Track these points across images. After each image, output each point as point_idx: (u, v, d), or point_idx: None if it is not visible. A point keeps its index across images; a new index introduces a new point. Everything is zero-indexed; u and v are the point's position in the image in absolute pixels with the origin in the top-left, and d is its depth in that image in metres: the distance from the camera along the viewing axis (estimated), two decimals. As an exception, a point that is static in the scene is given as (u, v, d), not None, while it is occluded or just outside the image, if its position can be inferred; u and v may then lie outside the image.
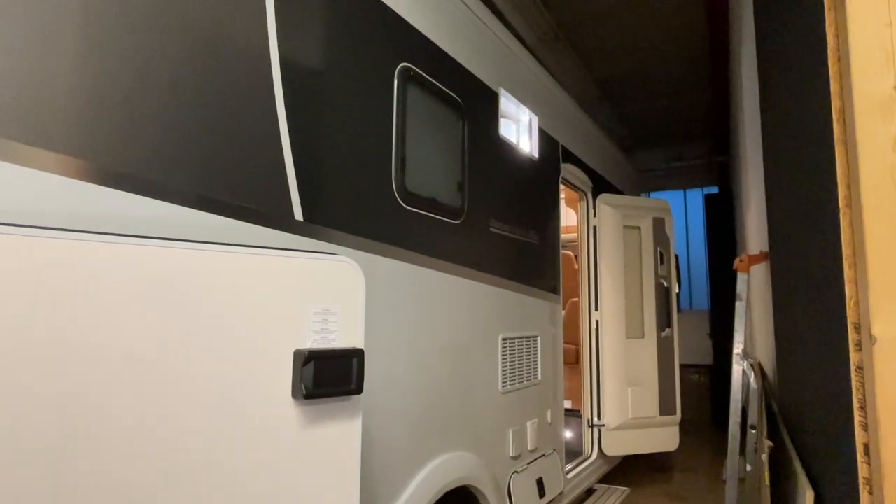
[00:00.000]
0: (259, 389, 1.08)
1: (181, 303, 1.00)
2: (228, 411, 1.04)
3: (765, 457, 1.40)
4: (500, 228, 2.79)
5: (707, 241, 7.32)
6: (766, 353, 2.52)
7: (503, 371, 2.70)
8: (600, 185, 4.39)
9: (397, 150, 2.04)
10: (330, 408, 1.17)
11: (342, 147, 1.80)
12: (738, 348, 2.23)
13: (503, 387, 2.69)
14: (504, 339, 2.74)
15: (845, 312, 0.93)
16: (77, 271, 0.89)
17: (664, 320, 4.29)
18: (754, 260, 2.31)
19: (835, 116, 0.87)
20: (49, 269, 0.86)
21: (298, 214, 1.60)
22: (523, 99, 3.17)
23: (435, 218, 2.24)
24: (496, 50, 2.88)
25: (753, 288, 2.77)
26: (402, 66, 2.10)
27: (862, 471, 0.81)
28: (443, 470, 2.14)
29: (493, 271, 2.70)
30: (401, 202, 2.04)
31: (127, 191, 1.16)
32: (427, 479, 2.03)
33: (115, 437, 0.91)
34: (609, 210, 4.18)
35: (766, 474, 1.37)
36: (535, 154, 3.27)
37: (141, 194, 1.18)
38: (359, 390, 1.19)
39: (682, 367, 4.46)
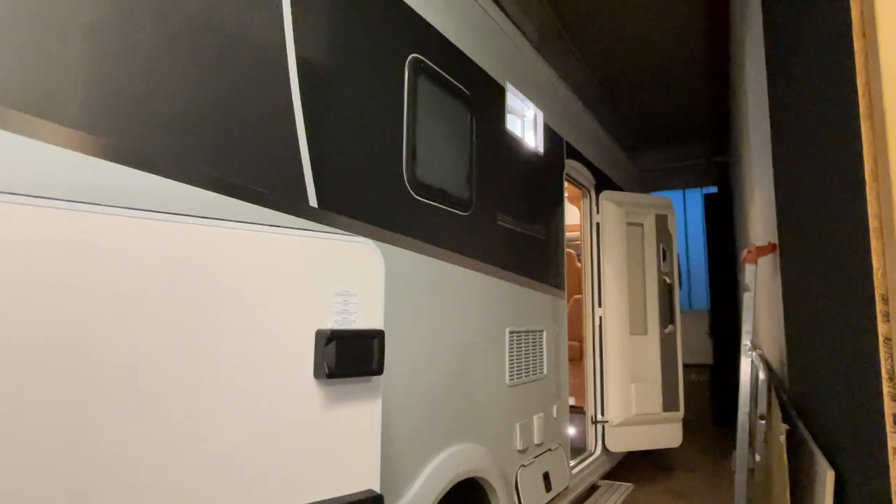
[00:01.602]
0: (281, 369, 1.08)
1: (202, 280, 1.00)
2: (251, 391, 1.04)
3: (783, 438, 1.40)
4: (507, 222, 2.80)
5: (707, 241, 7.35)
6: (772, 344, 2.53)
7: (510, 364, 2.71)
8: (603, 183, 4.40)
9: (408, 140, 2.05)
10: (351, 388, 1.17)
11: (355, 135, 1.80)
12: (746, 339, 2.23)
13: (510, 380, 2.69)
14: (511, 333, 2.75)
15: (869, 286, 0.93)
16: (94, 245, 0.89)
17: (667, 317, 4.30)
18: (762, 251, 2.32)
19: (860, 91, 0.87)
20: (76, 242, 0.86)
21: (313, 201, 1.60)
22: (529, 94, 3.18)
23: (444, 209, 2.24)
24: (502, 44, 2.89)
25: (759, 280, 2.78)
26: (413, 58, 2.11)
27: (892, 440, 0.82)
28: (453, 461, 2.14)
29: (501, 264, 2.71)
30: (411, 192, 2.05)
31: (147, 171, 1.16)
32: (438, 470, 2.03)
33: (138, 416, 0.90)
34: (612, 207, 4.20)
35: (785, 455, 1.38)
36: (540, 149, 3.28)
37: (160, 175, 1.19)
38: (380, 371, 1.19)
39: (683, 365, 4.47)
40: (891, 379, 0.82)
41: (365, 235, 1.82)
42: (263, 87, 1.47)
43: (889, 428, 0.82)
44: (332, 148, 1.70)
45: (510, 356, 2.72)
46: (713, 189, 7.93)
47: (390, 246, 1.91)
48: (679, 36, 5.16)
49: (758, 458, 2.10)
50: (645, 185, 6.01)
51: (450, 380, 2.20)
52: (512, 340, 2.76)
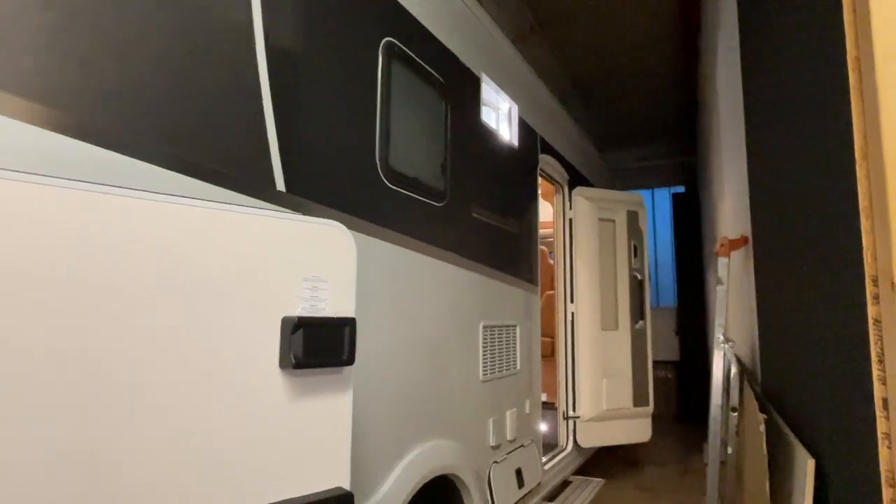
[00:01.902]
0: (244, 359, 1.01)
1: (155, 261, 0.91)
2: (210, 382, 0.96)
3: (762, 427, 1.40)
4: (482, 215, 2.75)
5: (675, 240, 7.47)
6: (743, 337, 2.56)
7: (484, 359, 2.66)
8: (576, 179, 4.41)
9: (382, 126, 1.98)
10: (320, 380, 1.10)
11: (327, 119, 1.72)
12: (719, 333, 2.24)
13: (484, 375, 2.65)
14: (485, 327, 2.70)
15: (854, 269, 0.91)
16: (33, 218, 0.80)
17: (637, 313, 4.33)
18: (735, 244, 2.34)
19: (850, 66, 0.85)
20: (17, 216, 0.77)
21: (280, 185, 1.52)
22: (503, 87, 3.15)
23: (419, 199, 2.18)
24: (478, 35, 2.85)
25: (731, 274, 2.81)
26: (387, 41, 2.04)
27: (881, 426, 0.80)
28: (425, 458, 2.08)
29: (475, 258, 2.66)
30: (384, 180, 1.98)
31: (105, 147, 1.07)
32: (410, 467, 1.96)
33: (83, 407, 0.82)
34: (585, 202, 4.20)
35: (764, 445, 1.37)
36: (515, 143, 3.25)
37: (119, 152, 1.09)
38: (350, 361, 1.12)
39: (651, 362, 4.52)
40: (880, 362, 0.80)
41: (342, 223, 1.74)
42: (228, 63, 1.38)
43: (879, 413, 0.80)
44: (303, 131, 1.62)
45: (484, 351, 2.67)
46: (681, 189, 8.07)
47: (363, 235, 1.84)
48: (651, 38, 5.22)
49: (730, 450, 2.11)
50: (616, 183, 6.07)
51: (423, 374, 2.15)
52: (486, 335, 2.71)
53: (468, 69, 2.70)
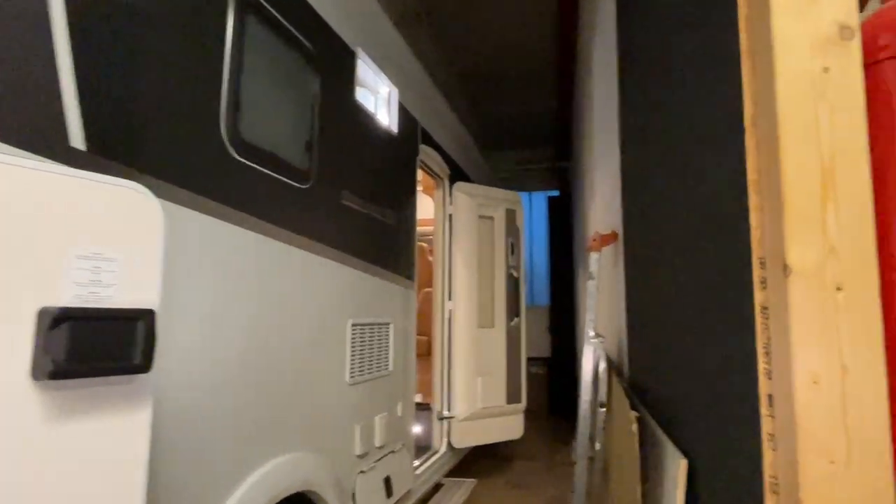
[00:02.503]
0: (-28, 366, 0.70)
1: None
2: None
3: (634, 427, 1.34)
4: (354, 202, 2.52)
5: (550, 241, 7.77)
6: (611, 332, 2.60)
7: (352, 360, 2.43)
8: (458, 174, 4.33)
9: (230, 90, 1.68)
10: (98, 393, 0.81)
11: (154, 70, 1.40)
12: (590, 328, 2.23)
13: (351, 378, 2.42)
14: (354, 325, 2.47)
15: (739, 252, 0.84)
16: None
17: (513, 310, 4.35)
18: (606, 240, 2.35)
19: (742, 25, 0.77)
20: None
21: (78, 141, 1.18)
22: (384, 69, 2.94)
23: (277, 178, 1.90)
24: (357, 8, 2.62)
25: (601, 269, 2.86)
26: (239, -10, 1.74)
27: (766, 425, 0.72)
28: (274, 477, 1.80)
29: (345, 249, 2.42)
30: (232, 152, 1.68)
31: None
32: (253, 491, 1.68)
33: None
34: (465, 198, 4.13)
35: (637, 446, 1.32)
36: (394, 129, 3.06)
37: None
38: (145, 367, 0.85)
39: (525, 358, 4.58)
40: (767, 354, 0.72)
41: (165, 198, 1.42)
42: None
43: (764, 411, 0.72)
44: (116, 78, 1.29)
45: (352, 351, 2.44)
46: (556, 192, 8.43)
47: (198, 213, 1.53)
48: (532, 44, 5.32)
49: (598, 446, 2.09)
50: (495, 183, 6.15)
51: (275, 378, 1.87)
52: (355, 334, 2.48)
53: (343, 42, 2.45)
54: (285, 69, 2.01)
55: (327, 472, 2.14)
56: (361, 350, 2.54)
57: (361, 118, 2.64)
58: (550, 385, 7.38)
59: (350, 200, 2.48)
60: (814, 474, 0.68)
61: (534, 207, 8.67)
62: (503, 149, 8.33)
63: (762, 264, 0.73)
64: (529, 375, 7.47)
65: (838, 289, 0.70)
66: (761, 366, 0.73)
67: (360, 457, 2.46)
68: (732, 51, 0.78)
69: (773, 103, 0.68)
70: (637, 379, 1.86)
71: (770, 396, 0.72)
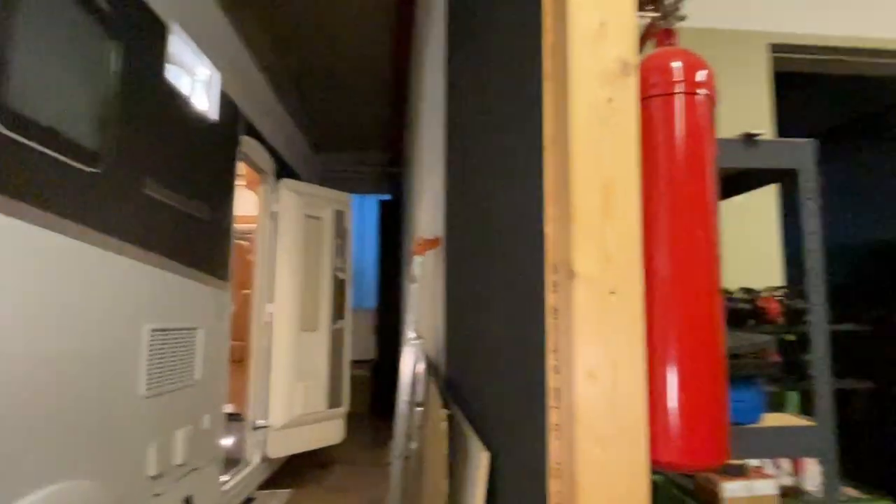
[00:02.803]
0: None
1: None
2: None
3: (444, 424, 1.40)
4: (159, 192, 2.24)
5: (380, 245, 7.83)
6: (432, 335, 2.69)
7: (150, 370, 2.15)
8: (284, 171, 4.13)
9: (-8, 43, 1.38)
10: None
11: None
12: (411, 329, 2.28)
13: (148, 390, 2.14)
14: (154, 331, 2.20)
15: (538, 259, 0.92)
16: None
17: (338, 312, 4.28)
18: (429, 244, 2.43)
19: (546, 52, 0.85)
20: None
21: None
22: (205, 50, 2.68)
23: (57, 158, 1.61)
24: (169, -26, 2.35)
25: (425, 273, 2.95)
26: (10, -76, 1.44)
27: (553, 417, 0.79)
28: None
29: (146, 245, 2.14)
30: (-8, 119, 1.37)
31: None
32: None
33: None
34: (292, 196, 3.95)
35: (445, 441, 1.37)
36: (213, 116, 2.80)
37: None
38: None
39: (350, 361, 4.54)
40: (556, 351, 0.79)
41: None
42: None
43: (551, 403, 0.79)
44: None
45: (150, 360, 2.17)
46: (388, 196, 8.53)
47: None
48: (368, 50, 5.31)
49: (414, 445, 2.14)
50: (326, 184, 6.02)
51: (45, 392, 1.57)
52: (154, 340, 2.21)
53: (152, 12, 2.18)
54: (73, 29, 1.71)
55: (110, 499, 1.86)
56: (161, 358, 2.26)
57: (173, 100, 2.37)
58: (374, 386, 7.42)
59: (154, 190, 2.21)
60: (588, 459, 0.77)
61: (365, 211, 8.67)
62: (336, 150, 8.20)
63: (555, 270, 0.81)
64: (354, 378, 7.43)
65: (612, 293, 0.80)
66: (550, 362, 0.80)
67: (155, 478, 2.19)
68: (539, 76, 0.86)
69: (567, 126, 0.76)
70: (452, 377, 1.95)
71: (557, 390, 0.79)
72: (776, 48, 2.27)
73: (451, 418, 1.43)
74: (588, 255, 0.75)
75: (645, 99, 0.88)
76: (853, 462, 2.22)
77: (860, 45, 2.31)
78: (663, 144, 0.83)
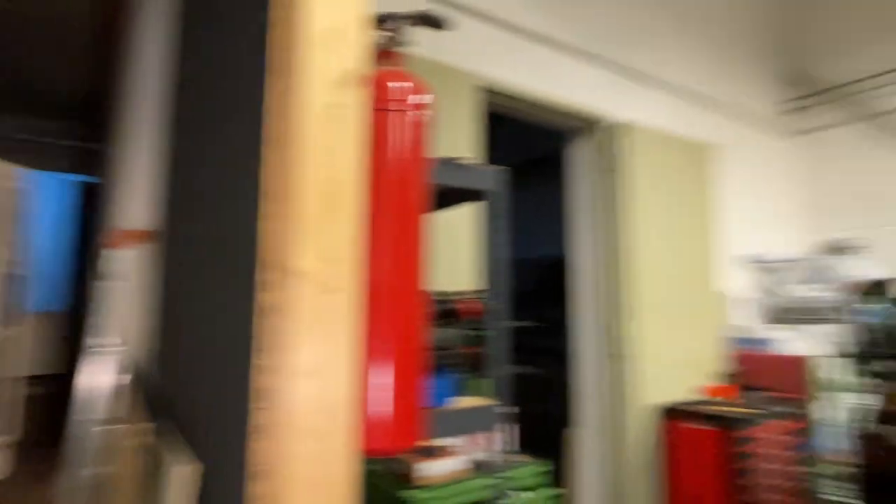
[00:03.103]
0: None
1: None
2: None
3: (142, 439, 1.22)
4: None
5: (78, 236, 6.50)
6: (139, 339, 2.34)
7: None
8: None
9: None
10: None
11: None
12: (103, 336, 1.94)
13: None
14: None
15: (253, 258, 0.89)
16: None
17: (10, 318, 3.42)
18: (133, 237, 2.11)
19: (274, 47, 0.83)
20: None
21: None
22: None
23: None
24: None
25: (130, 271, 2.55)
26: None
27: (256, 417, 0.77)
28: None
29: None
30: None
31: None
32: None
33: None
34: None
35: (142, 457, 1.20)
36: None
37: None
38: None
39: (26, 378, 3.65)
40: (266, 350, 0.78)
41: None
42: None
43: (255, 405, 0.78)
44: None
45: None
46: (90, 179, 7.16)
47: None
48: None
49: (101, 468, 1.83)
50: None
51: None
52: None
53: None
54: None
55: None
56: None
57: None
58: (61, 407, 6.11)
59: None
60: (301, 454, 0.78)
61: (51, 193, 7.10)
62: (10, 110, 6.51)
63: (271, 267, 0.80)
64: (31, 398, 5.99)
65: (331, 292, 0.83)
66: (260, 362, 0.79)
67: None
68: (263, 70, 0.84)
69: (298, 126, 0.76)
70: (165, 387, 1.74)
71: (267, 390, 0.79)
72: (481, 88, 2.69)
73: (155, 433, 1.27)
74: (308, 253, 0.77)
75: (376, 110, 0.95)
76: (528, 434, 2.75)
77: (539, 99, 2.91)
78: (377, 155, 0.91)
